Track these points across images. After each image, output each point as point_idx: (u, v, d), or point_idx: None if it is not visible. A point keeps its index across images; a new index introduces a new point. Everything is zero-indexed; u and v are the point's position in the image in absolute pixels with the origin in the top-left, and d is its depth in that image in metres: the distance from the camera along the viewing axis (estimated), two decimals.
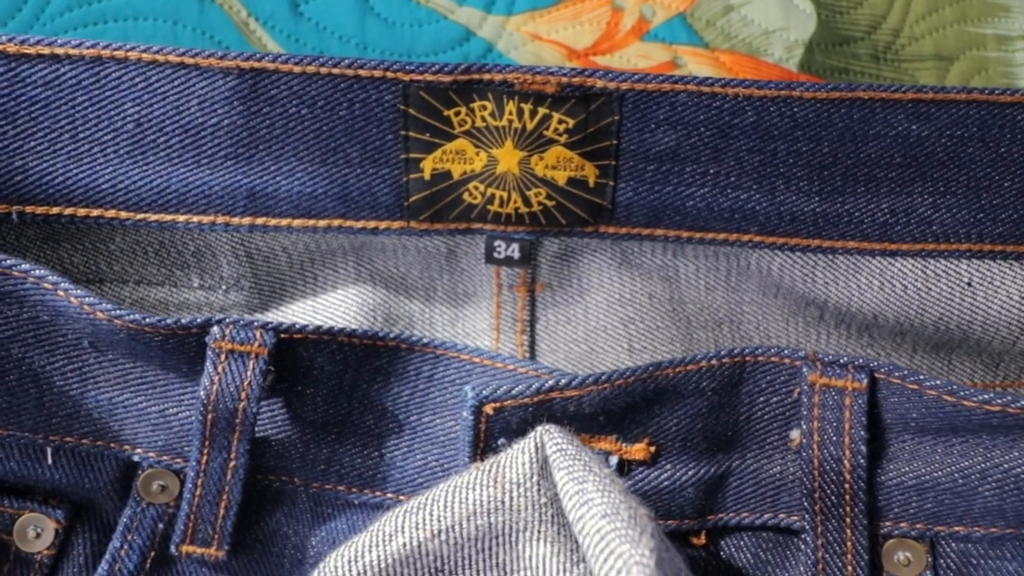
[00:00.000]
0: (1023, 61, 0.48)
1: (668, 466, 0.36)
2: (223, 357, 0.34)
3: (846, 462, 0.34)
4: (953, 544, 0.35)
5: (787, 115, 0.37)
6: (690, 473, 0.36)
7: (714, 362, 0.35)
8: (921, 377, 0.34)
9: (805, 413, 0.34)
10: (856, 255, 0.40)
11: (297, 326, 0.36)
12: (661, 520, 0.36)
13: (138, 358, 0.36)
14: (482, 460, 0.33)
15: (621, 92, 0.37)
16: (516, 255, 0.40)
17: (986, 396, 0.33)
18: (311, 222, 0.38)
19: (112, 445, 0.37)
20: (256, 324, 0.35)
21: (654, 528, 0.28)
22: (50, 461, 0.37)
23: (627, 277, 0.42)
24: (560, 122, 0.37)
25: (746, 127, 0.37)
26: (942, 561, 0.35)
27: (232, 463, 0.35)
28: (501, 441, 0.34)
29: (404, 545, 0.30)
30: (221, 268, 0.41)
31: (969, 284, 0.40)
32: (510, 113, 0.37)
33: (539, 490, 0.30)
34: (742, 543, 0.37)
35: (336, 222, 0.39)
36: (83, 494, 0.38)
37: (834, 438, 0.34)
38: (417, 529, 0.30)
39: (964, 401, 0.33)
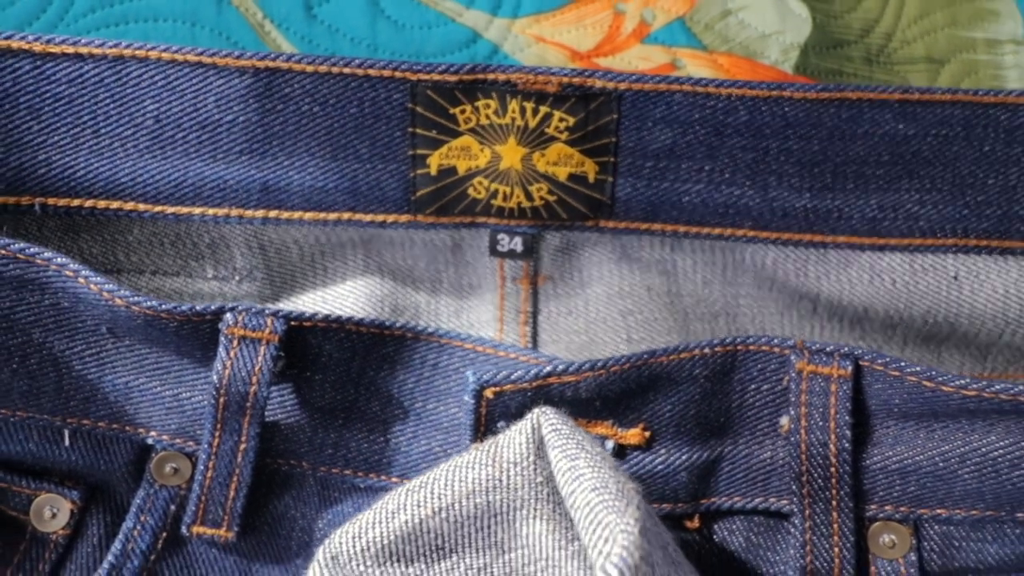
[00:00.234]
0: (1012, 64, 0.50)
1: (662, 451, 0.37)
2: (235, 343, 0.36)
3: (832, 446, 0.35)
4: (936, 527, 0.37)
5: (778, 114, 0.38)
6: (683, 458, 0.37)
7: (707, 350, 0.36)
8: (902, 363, 0.35)
9: (793, 399, 0.36)
10: (846, 249, 0.41)
11: (307, 314, 0.37)
12: (656, 503, 0.38)
13: (154, 344, 0.38)
14: (482, 442, 0.34)
15: (619, 92, 0.38)
16: (519, 248, 0.42)
17: (963, 381, 0.34)
18: (321, 215, 0.40)
19: (127, 428, 0.39)
20: (267, 312, 0.36)
21: (640, 501, 0.29)
22: (67, 443, 0.39)
23: (626, 270, 0.43)
24: (561, 120, 0.39)
25: (739, 126, 0.39)
26: (926, 543, 0.37)
27: (243, 446, 0.37)
28: (501, 424, 0.36)
29: (406, 522, 0.32)
30: (235, 259, 0.43)
31: (955, 278, 0.41)
32: (513, 111, 0.39)
33: (535, 469, 0.32)
34: (734, 527, 0.38)
35: (346, 215, 0.40)
36: (98, 476, 0.39)
37: (820, 423, 0.35)
38: (418, 507, 0.32)
39: (942, 386, 0.34)
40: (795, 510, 0.37)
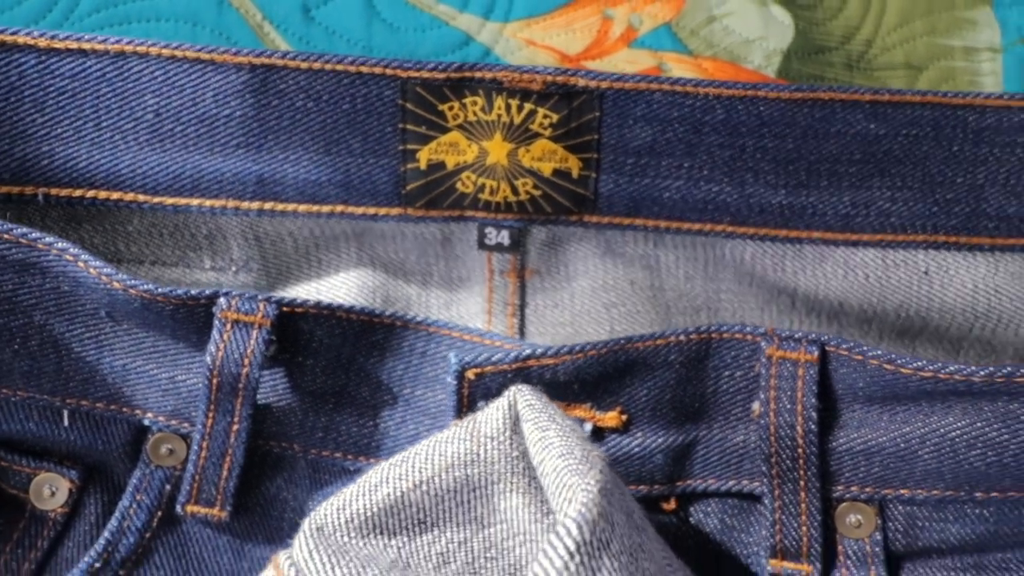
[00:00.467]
0: (988, 71, 0.51)
1: (639, 434, 0.39)
2: (228, 326, 0.37)
3: (799, 428, 0.37)
4: (900, 507, 0.38)
5: (754, 113, 0.40)
6: (659, 441, 0.39)
7: (682, 337, 0.38)
8: (865, 348, 0.36)
9: (763, 384, 0.37)
10: (821, 245, 0.42)
11: (298, 300, 0.39)
12: (632, 485, 0.39)
13: (151, 327, 0.39)
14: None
15: (601, 90, 0.40)
16: (506, 241, 0.43)
17: (919, 363, 0.35)
18: (315, 207, 0.42)
19: (124, 409, 0.40)
20: (260, 297, 0.38)
21: (604, 466, 0.30)
22: (66, 423, 0.40)
23: (610, 265, 0.45)
24: (545, 117, 0.40)
25: (716, 124, 0.40)
26: (890, 524, 0.38)
27: (235, 426, 0.38)
28: (481, 405, 0.37)
29: (388, 495, 0.33)
30: (231, 250, 0.44)
31: (926, 273, 0.43)
32: (499, 108, 0.40)
33: (511, 444, 0.33)
34: (709, 509, 0.40)
35: (339, 208, 0.42)
36: (96, 456, 0.41)
37: (788, 406, 0.37)
38: (400, 480, 0.33)
39: (901, 369, 0.36)
40: (765, 491, 0.38)
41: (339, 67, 0.40)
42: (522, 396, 0.34)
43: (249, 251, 0.45)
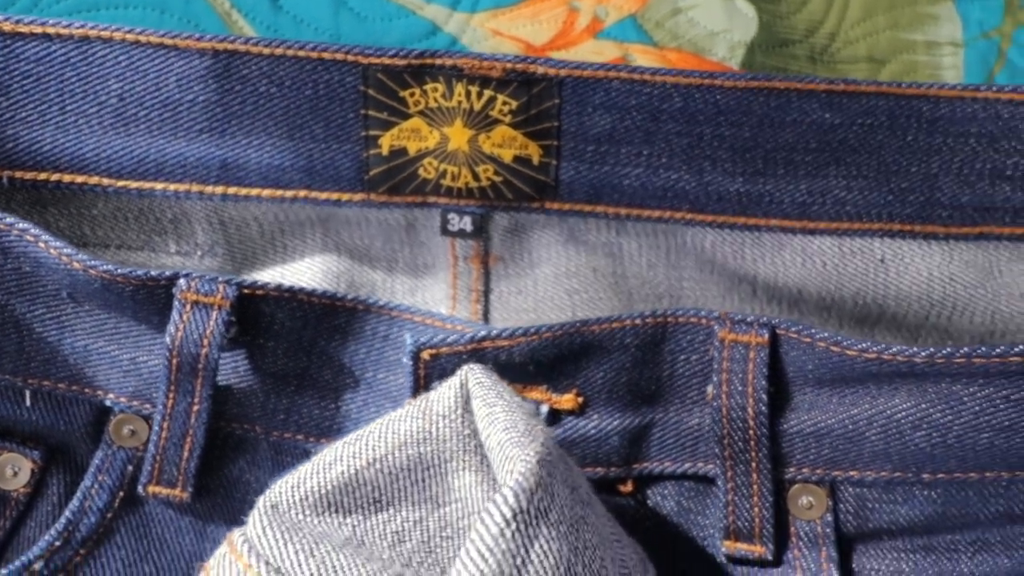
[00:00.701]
0: (950, 65, 0.52)
1: (595, 416, 0.39)
2: (188, 307, 0.38)
3: (750, 409, 0.37)
4: (850, 488, 0.39)
5: (710, 102, 0.40)
6: (615, 423, 0.39)
7: (637, 321, 0.38)
8: (812, 331, 0.37)
9: (716, 367, 0.38)
10: (779, 232, 0.43)
11: (259, 283, 0.39)
12: (589, 467, 0.39)
13: (112, 308, 0.39)
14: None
15: (560, 78, 0.41)
16: (468, 228, 0.44)
17: (864, 344, 0.36)
18: (279, 192, 0.42)
19: (86, 390, 0.40)
20: (220, 279, 0.38)
21: (547, 439, 0.31)
22: (28, 403, 0.40)
23: (573, 252, 0.45)
24: (504, 103, 0.41)
25: (674, 112, 0.41)
26: (841, 505, 0.39)
27: (196, 407, 0.39)
28: (435, 385, 0.38)
29: (342, 473, 0.34)
30: (196, 235, 0.45)
31: (882, 261, 0.43)
32: (459, 95, 0.41)
33: (462, 422, 0.34)
34: (666, 491, 0.40)
35: (302, 193, 0.42)
36: (58, 436, 0.41)
37: (740, 388, 0.37)
38: (354, 458, 0.34)
39: (847, 350, 0.36)
40: (718, 473, 0.39)
41: (301, 53, 0.40)
42: (473, 375, 0.34)
43: (214, 236, 0.45)
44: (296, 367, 0.41)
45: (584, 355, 0.39)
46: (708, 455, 0.39)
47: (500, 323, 0.46)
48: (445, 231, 0.44)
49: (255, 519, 0.33)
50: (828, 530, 0.38)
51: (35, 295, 0.39)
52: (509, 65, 0.40)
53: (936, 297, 0.44)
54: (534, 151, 0.41)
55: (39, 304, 0.40)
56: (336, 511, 0.34)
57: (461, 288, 0.46)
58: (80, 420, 0.41)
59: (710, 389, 0.38)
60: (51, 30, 0.40)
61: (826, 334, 0.37)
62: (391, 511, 0.34)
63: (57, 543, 0.39)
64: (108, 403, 0.41)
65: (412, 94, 0.41)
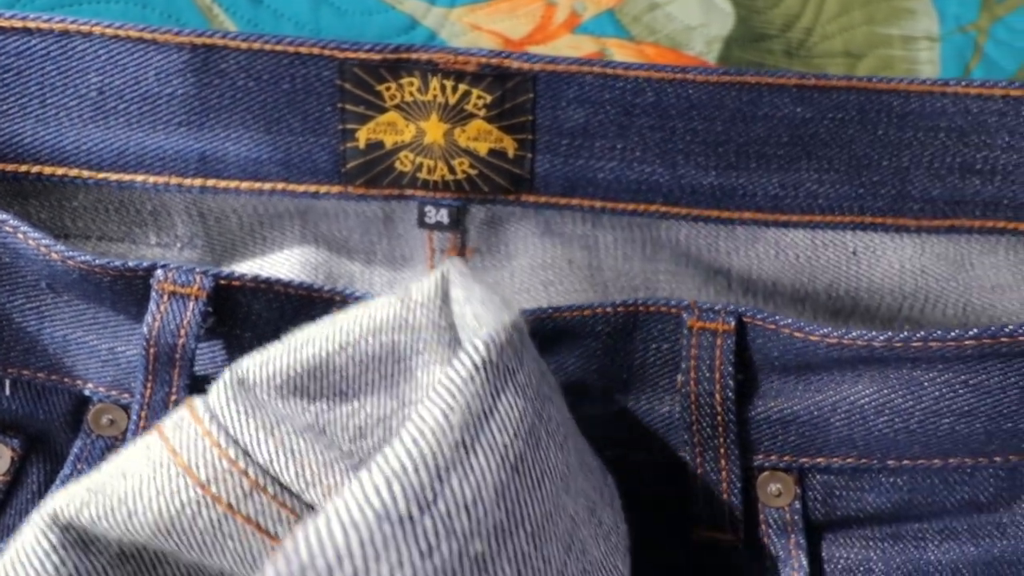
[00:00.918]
0: (926, 59, 0.52)
1: (566, 403, 0.40)
2: (166, 298, 0.38)
3: (717, 396, 0.38)
4: (817, 475, 0.39)
5: (683, 96, 0.41)
6: (586, 410, 0.40)
7: (608, 309, 0.39)
8: (777, 317, 0.38)
9: (684, 354, 0.38)
10: (752, 226, 0.43)
11: (236, 273, 0.40)
12: None
13: (90, 299, 0.40)
14: None
15: (534, 72, 0.41)
16: (445, 220, 0.44)
17: (826, 330, 0.37)
18: (257, 185, 0.43)
19: (65, 380, 0.41)
20: (197, 269, 0.39)
21: (520, 320, 0.30)
22: (8, 392, 0.41)
23: (549, 244, 0.46)
24: (479, 98, 0.41)
25: (646, 106, 0.41)
26: (810, 492, 0.39)
27: (173, 397, 0.39)
28: None
29: (313, 356, 0.32)
30: (176, 227, 0.45)
31: (854, 253, 0.44)
32: (434, 89, 0.41)
33: (440, 312, 0.33)
34: (636, 479, 0.41)
35: (279, 185, 0.43)
36: (38, 425, 0.42)
37: (707, 375, 0.38)
38: (326, 341, 0.33)
39: (809, 336, 0.37)
40: (688, 460, 0.39)
41: (278, 48, 0.41)
42: (454, 267, 0.34)
43: (194, 228, 0.45)
44: None
45: (556, 342, 0.39)
46: (678, 443, 0.40)
47: None
48: (422, 224, 0.44)
49: (219, 389, 0.31)
50: (797, 517, 0.39)
51: (14, 285, 0.40)
52: (483, 60, 0.41)
53: (908, 289, 0.44)
54: (509, 144, 0.42)
55: (19, 295, 0.40)
56: (302, 396, 0.32)
57: None
58: (59, 409, 0.42)
59: (680, 377, 0.39)
60: (31, 24, 0.41)
61: (790, 321, 0.37)
62: (356, 404, 0.33)
63: None
64: (87, 392, 0.41)
65: (388, 88, 0.41)
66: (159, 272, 0.38)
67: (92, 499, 0.29)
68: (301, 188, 0.43)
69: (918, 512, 0.39)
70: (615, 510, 0.35)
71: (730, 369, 0.38)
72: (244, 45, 0.41)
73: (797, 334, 0.37)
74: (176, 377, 0.39)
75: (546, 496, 0.28)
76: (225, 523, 0.29)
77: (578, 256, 0.46)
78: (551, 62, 0.41)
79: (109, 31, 0.41)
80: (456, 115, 0.42)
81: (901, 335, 0.36)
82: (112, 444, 0.41)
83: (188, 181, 0.42)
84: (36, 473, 0.42)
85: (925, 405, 0.37)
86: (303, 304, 0.41)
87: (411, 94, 0.41)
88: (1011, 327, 0.35)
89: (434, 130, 0.42)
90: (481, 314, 0.31)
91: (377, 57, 0.41)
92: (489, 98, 0.41)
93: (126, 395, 0.41)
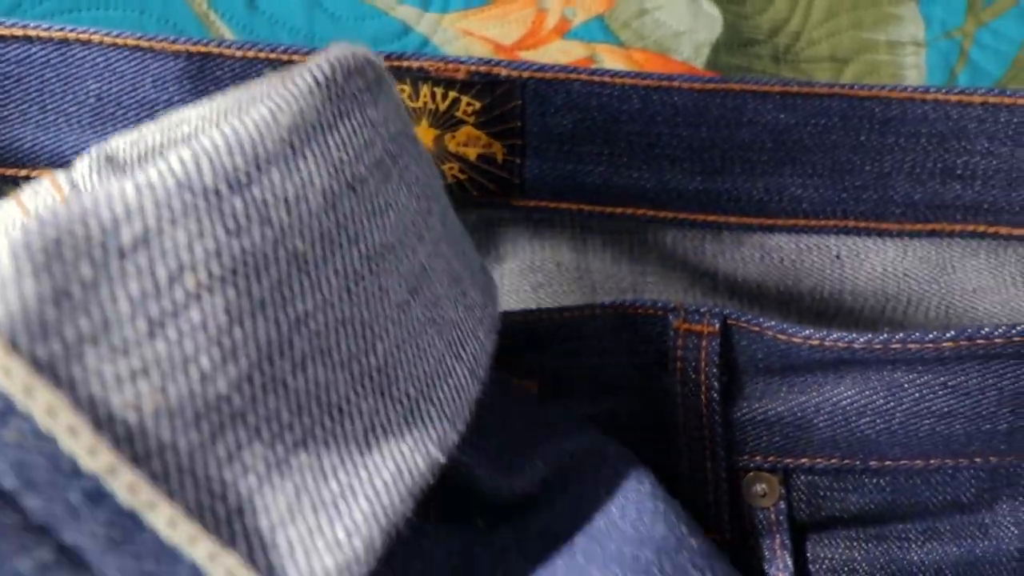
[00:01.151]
0: (912, 65, 0.53)
1: (552, 404, 0.41)
2: None
3: (702, 396, 0.39)
4: (802, 476, 0.40)
5: (668, 103, 0.42)
6: (574, 411, 0.40)
7: (597, 311, 0.40)
8: (761, 320, 0.38)
9: (671, 355, 0.39)
10: (737, 230, 0.44)
11: None
12: None
13: None
14: None
15: (523, 80, 0.42)
16: None
17: (808, 332, 0.37)
18: None
19: None
20: None
21: (378, 63, 0.28)
22: None
23: (538, 246, 0.47)
24: (468, 104, 0.42)
25: (633, 113, 0.42)
26: (794, 493, 0.40)
27: None
28: None
29: (189, 135, 0.30)
30: None
31: (838, 257, 0.45)
32: (424, 96, 0.42)
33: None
34: None
35: None
36: None
37: (693, 376, 0.39)
38: (202, 120, 0.31)
39: (792, 338, 0.38)
40: (674, 460, 0.40)
41: (272, 56, 0.42)
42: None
43: None
44: None
45: (545, 343, 0.40)
46: (664, 444, 0.41)
47: None
48: None
49: (85, 163, 0.29)
50: (781, 517, 0.40)
51: None
52: (473, 68, 0.42)
53: (891, 292, 0.45)
54: (498, 150, 0.43)
55: None
56: None
57: None
58: None
59: (665, 378, 0.40)
60: (32, 32, 0.42)
61: (773, 323, 0.38)
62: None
63: None
64: None
65: None
66: None
67: None
68: None
69: (901, 513, 0.40)
70: (488, 300, 0.33)
71: (715, 370, 0.39)
72: (239, 53, 0.42)
73: (780, 336, 0.38)
74: None
75: (390, 228, 0.26)
76: None
77: (567, 259, 0.47)
78: (539, 70, 0.42)
79: (107, 39, 0.42)
80: (446, 121, 0.42)
81: (880, 337, 0.37)
82: None
83: None
84: None
85: (905, 406, 0.37)
86: None
87: (402, 100, 0.42)
88: (987, 329, 0.36)
89: (424, 136, 0.43)
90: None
91: None
92: (478, 105, 0.42)
93: None
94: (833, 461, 0.39)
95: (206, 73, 0.42)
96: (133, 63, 0.42)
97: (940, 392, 0.37)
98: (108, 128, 0.42)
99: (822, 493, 0.40)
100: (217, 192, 0.22)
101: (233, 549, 0.21)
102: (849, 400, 0.38)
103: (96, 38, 0.42)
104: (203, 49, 0.42)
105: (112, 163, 0.30)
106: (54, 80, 0.42)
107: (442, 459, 0.26)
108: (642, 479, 0.33)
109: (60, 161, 0.43)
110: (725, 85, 0.42)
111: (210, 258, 0.22)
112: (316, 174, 0.24)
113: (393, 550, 0.26)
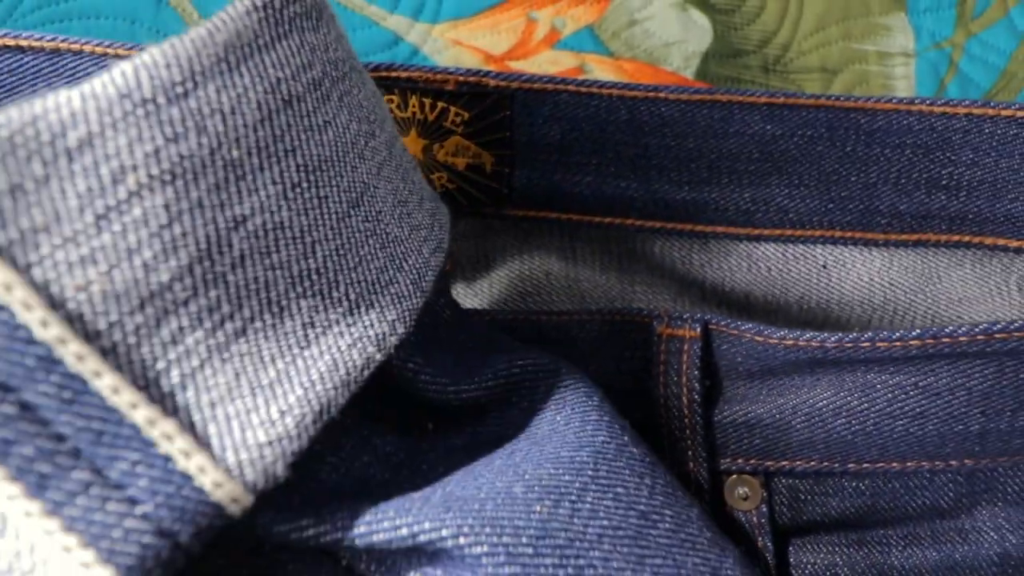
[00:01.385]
0: (901, 75, 0.54)
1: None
2: None
3: (684, 399, 0.39)
4: (783, 479, 0.40)
5: (655, 113, 0.42)
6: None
7: (585, 316, 0.40)
8: (739, 323, 0.39)
9: (654, 360, 0.40)
10: (724, 239, 0.45)
11: None
12: None
13: None
14: None
15: (511, 90, 0.42)
16: None
17: (783, 332, 0.38)
18: None
19: None
20: None
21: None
22: None
23: (527, 256, 0.47)
24: (456, 115, 0.42)
25: (621, 123, 0.42)
26: (776, 497, 0.40)
27: None
28: None
29: None
30: None
31: (824, 266, 0.45)
32: (413, 106, 0.42)
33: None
34: None
35: None
36: None
37: (675, 379, 0.39)
38: None
39: (769, 339, 0.38)
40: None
41: None
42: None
43: None
44: None
45: (531, 344, 0.40)
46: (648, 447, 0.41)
47: None
48: None
49: None
50: (763, 521, 0.40)
51: None
52: (461, 78, 0.42)
53: (877, 301, 0.45)
54: (487, 160, 0.43)
55: None
56: None
57: None
58: None
59: (649, 383, 0.40)
60: (24, 43, 0.42)
61: (751, 325, 0.38)
62: None
63: None
64: None
65: None
66: None
67: None
68: None
69: (881, 517, 0.40)
70: (437, 224, 0.35)
71: (696, 373, 0.39)
72: None
73: (758, 338, 0.38)
74: None
75: (327, 144, 0.28)
76: None
77: (556, 268, 0.47)
78: (528, 80, 0.42)
79: (99, 49, 0.42)
80: (434, 131, 0.43)
81: (851, 335, 0.37)
82: None
83: None
84: None
85: (879, 407, 0.38)
86: None
87: (391, 111, 0.42)
88: (951, 328, 0.36)
89: (413, 146, 0.43)
90: None
91: None
92: (467, 115, 0.42)
93: None
94: (812, 464, 0.39)
95: None
96: None
97: (912, 392, 0.38)
98: None
99: (803, 497, 0.40)
100: (155, 101, 0.24)
101: (174, 418, 0.24)
102: (825, 401, 0.38)
103: (87, 48, 0.42)
104: None
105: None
106: (46, 90, 0.42)
107: (379, 356, 0.28)
108: (592, 395, 0.35)
109: None
110: (712, 96, 0.42)
111: (150, 161, 0.24)
112: (252, 89, 0.26)
113: (341, 443, 0.29)
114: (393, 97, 0.42)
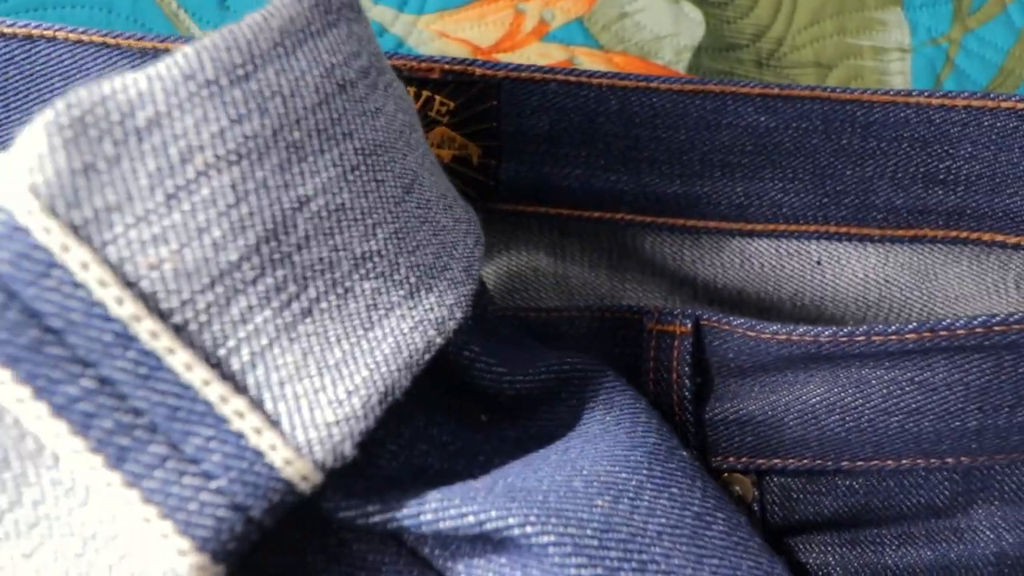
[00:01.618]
0: (897, 70, 0.53)
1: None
2: None
3: (675, 396, 0.38)
4: (775, 478, 0.39)
5: (647, 104, 0.41)
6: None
7: (574, 313, 0.39)
8: (731, 318, 0.38)
9: (644, 356, 0.39)
10: (717, 234, 0.44)
11: None
12: None
13: None
14: None
15: (498, 79, 0.41)
16: None
17: (775, 327, 0.37)
18: None
19: None
20: None
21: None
22: None
23: (514, 252, 0.46)
24: (442, 104, 0.41)
25: (611, 114, 0.41)
26: (768, 496, 0.39)
27: None
28: None
29: None
30: None
31: (818, 263, 0.44)
32: None
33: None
34: None
35: None
36: None
37: (665, 376, 0.38)
38: None
39: (761, 334, 0.37)
40: None
41: None
42: None
43: None
44: None
45: None
46: None
47: None
48: None
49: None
50: (755, 520, 0.39)
51: None
52: (447, 67, 0.41)
53: (872, 299, 0.44)
54: (473, 151, 0.42)
55: None
56: None
57: None
58: None
59: (640, 380, 0.39)
60: None
61: (742, 320, 0.37)
62: None
63: None
64: None
65: None
66: None
67: None
68: None
69: (875, 516, 0.39)
70: (472, 219, 0.36)
71: (687, 370, 0.38)
72: None
73: (750, 333, 0.37)
74: None
75: (381, 130, 0.29)
76: None
77: (544, 264, 0.46)
78: (515, 69, 0.41)
79: (73, 36, 0.41)
80: (420, 121, 0.41)
81: (846, 329, 0.36)
82: None
83: None
84: None
85: (874, 403, 0.37)
86: None
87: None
88: (948, 321, 0.35)
89: None
90: None
91: None
92: (452, 104, 0.41)
93: None
94: (805, 462, 0.38)
95: None
96: (100, 60, 0.41)
97: (908, 388, 0.37)
98: None
99: (795, 496, 0.39)
100: (218, 83, 0.25)
101: (245, 395, 0.25)
102: (819, 398, 0.37)
103: (62, 35, 0.41)
104: (170, 46, 0.41)
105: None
106: (18, 78, 0.41)
107: (439, 340, 0.28)
108: (638, 399, 0.35)
109: None
110: (705, 87, 0.41)
111: (216, 141, 0.25)
112: (309, 73, 0.27)
113: (400, 431, 0.30)
114: None
